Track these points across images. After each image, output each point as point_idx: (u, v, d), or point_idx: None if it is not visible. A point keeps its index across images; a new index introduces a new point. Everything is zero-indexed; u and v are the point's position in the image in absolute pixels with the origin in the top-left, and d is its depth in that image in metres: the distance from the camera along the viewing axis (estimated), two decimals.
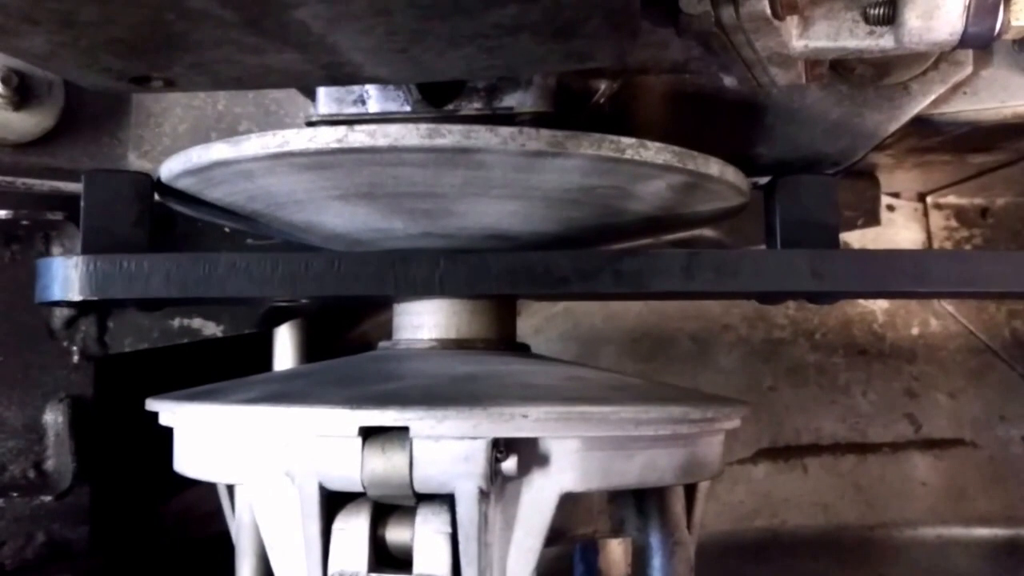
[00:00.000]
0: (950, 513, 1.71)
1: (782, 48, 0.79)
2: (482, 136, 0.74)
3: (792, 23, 0.78)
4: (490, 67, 0.72)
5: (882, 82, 0.99)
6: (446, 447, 0.74)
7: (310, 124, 0.90)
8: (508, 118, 0.88)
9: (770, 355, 1.77)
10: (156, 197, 0.92)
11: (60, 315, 1.25)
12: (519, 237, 0.87)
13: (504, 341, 0.95)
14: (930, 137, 1.21)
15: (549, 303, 1.74)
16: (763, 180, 0.97)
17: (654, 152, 0.78)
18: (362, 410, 0.74)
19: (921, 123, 1.03)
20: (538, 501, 0.77)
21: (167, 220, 1.14)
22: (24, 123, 1.04)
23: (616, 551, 1.01)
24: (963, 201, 1.79)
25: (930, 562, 1.69)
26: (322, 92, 0.91)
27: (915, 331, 1.78)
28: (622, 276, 0.87)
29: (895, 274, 0.91)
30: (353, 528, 0.77)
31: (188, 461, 0.89)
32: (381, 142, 0.74)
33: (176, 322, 1.28)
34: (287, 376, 1.01)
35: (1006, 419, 1.74)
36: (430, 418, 0.74)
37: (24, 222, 1.21)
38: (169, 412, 0.89)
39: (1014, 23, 0.78)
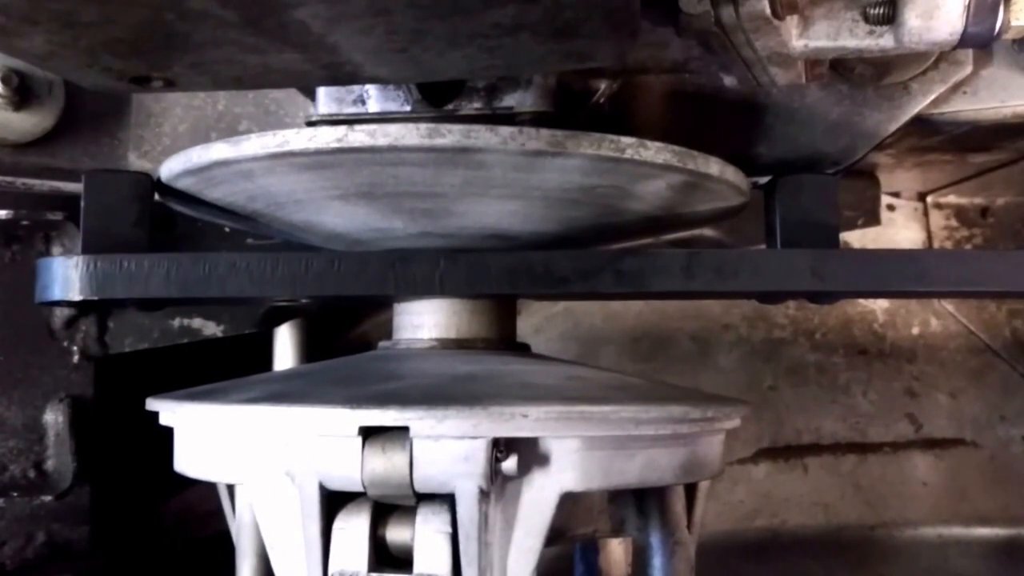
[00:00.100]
0: (950, 513, 1.71)
1: (782, 48, 0.79)
2: (482, 136, 0.74)
3: (792, 23, 0.78)
4: (490, 67, 0.72)
5: (882, 82, 0.99)
6: (446, 447, 0.74)
7: (310, 124, 0.90)
8: (508, 118, 0.88)
9: (770, 355, 1.77)
10: (156, 197, 0.92)
11: (60, 315, 1.25)
12: (519, 237, 0.87)
13: (504, 341, 0.95)
14: (930, 137, 1.21)
15: (549, 303, 1.74)
16: (763, 180, 0.97)
17: (654, 152, 0.78)
18: (362, 410, 0.74)
19: (921, 123, 1.03)
20: (538, 501, 0.77)
21: (167, 220, 1.14)
22: (24, 123, 1.04)
23: (616, 551, 1.01)
24: (963, 201, 1.79)
25: (930, 562, 1.69)
26: (322, 92, 0.91)
27: (915, 331, 1.78)
28: (622, 276, 0.87)
29: (895, 274, 0.91)
30: (353, 528, 0.77)
31: (188, 461, 0.89)
32: (381, 142, 0.74)
33: (176, 322, 1.28)
34: (287, 376, 1.01)
35: (1006, 419, 1.74)
36: (430, 418, 0.74)
37: (24, 222, 1.21)
38: (169, 412, 0.89)
39: (1014, 23, 0.78)
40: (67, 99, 1.06)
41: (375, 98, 0.91)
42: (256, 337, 1.34)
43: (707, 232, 1.41)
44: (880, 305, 1.79)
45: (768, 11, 0.74)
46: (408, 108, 0.90)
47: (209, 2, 0.59)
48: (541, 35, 0.65)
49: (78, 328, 1.26)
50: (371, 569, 0.76)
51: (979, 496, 1.71)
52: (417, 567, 0.75)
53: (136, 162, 1.09)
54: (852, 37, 0.79)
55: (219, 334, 1.30)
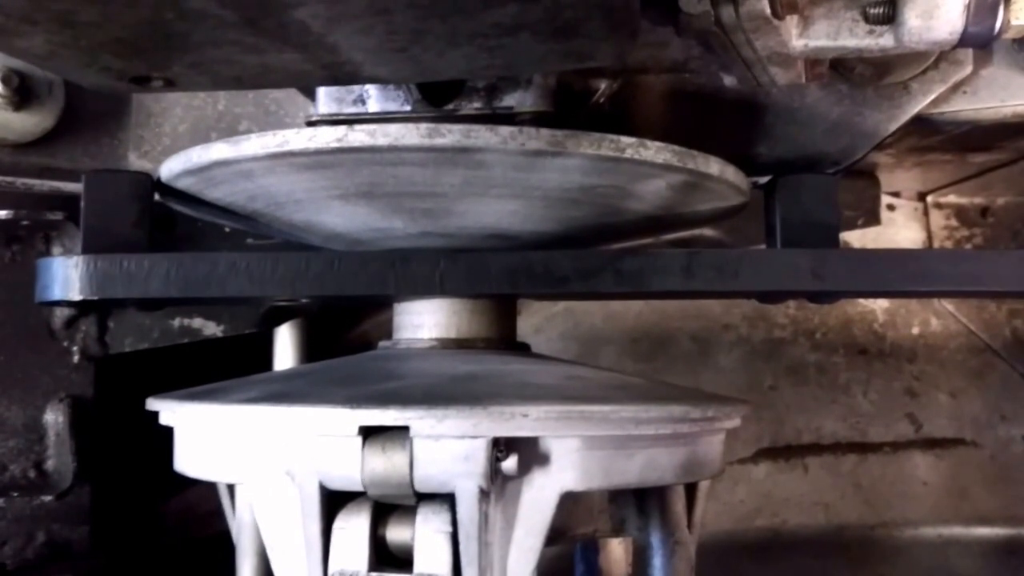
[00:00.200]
0: (951, 513, 1.71)
1: (782, 47, 0.79)
2: (482, 135, 0.74)
3: (792, 22, 0.78)
4: (490, 66, 0.72)
5: (882, 81, 0.99)
6: (446, 446, 0.74)
7: (310, 124, 0.90)
8: (508, 117, 0.88)
9: (770, 354, 1.77)
10: (156, 197, 0.92)
11: (60, 315, 1.25)
12: (519, 236, 0.87)
13: (504, 340, 0.95)
14: (930, 136, 1.21)
15: (549, 302, 1.74)
16: (763, 179, 0.97)
17: (654, 151, 0.78)
18: (362, 409, 0.74)
19: (921, 122, 1.03)
20: (538, 500, 0.77)
21: (167, 220, 1.14)
22: (24, 123, 1.04)
23: (617, 550, 1.01)
24: (963, 200, 1.79)
25: (931, 561, 1.69)
26: (322, 92, 0.91)
27: (915, 330, 1.78)
28: (622, 275, 0.87)
29: (895, 273, 0.91)
30: (353, 527, 0.77)
31: (188, 461, 0.89)
32: (381, 141, 0.74)
33: (176, 322, 1.28)
34: (287, 376, 1.01)
35: (1007, 418, 1.74)
36: (430, 417, 0.74)
37: (24, 222, 1.21)
38: (169, 412, 0.89)
39: (1014, 22, 0.78)
40: (67, 99, 1.06)
41: (375, 98, 0.91)
42: (256, 337, 1.34)
43: (707, 232, 1.41)
44: (880, 305, 1.79)
45: (768, 11, 0.74)
46: (408, 108, 0.90)
47: (208, 2, 0.59)
48: (541, 35, 0.65)
49: (78, 328, 1.26)
50: (371, 569, 0.76)
51: (979, 496, 1.71)
52: (417, 567, 0.75)
53: (136, 162, 1.09)
54: (852, 37, 0.79)
55: (219, 334, 1.30)
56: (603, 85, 1.00)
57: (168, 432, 0.91)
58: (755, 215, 0.97)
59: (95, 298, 0.89)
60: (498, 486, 0.75)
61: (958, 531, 1.70)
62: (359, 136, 0.74)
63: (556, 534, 0.80)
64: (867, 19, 0.78)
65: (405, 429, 0.74)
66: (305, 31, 0.63)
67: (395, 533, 0.77)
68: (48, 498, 1.22)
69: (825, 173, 0.98)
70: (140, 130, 1.10)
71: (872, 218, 1.56)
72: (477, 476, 0.74)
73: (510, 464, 0.75)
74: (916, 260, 0.92)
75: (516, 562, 0.77)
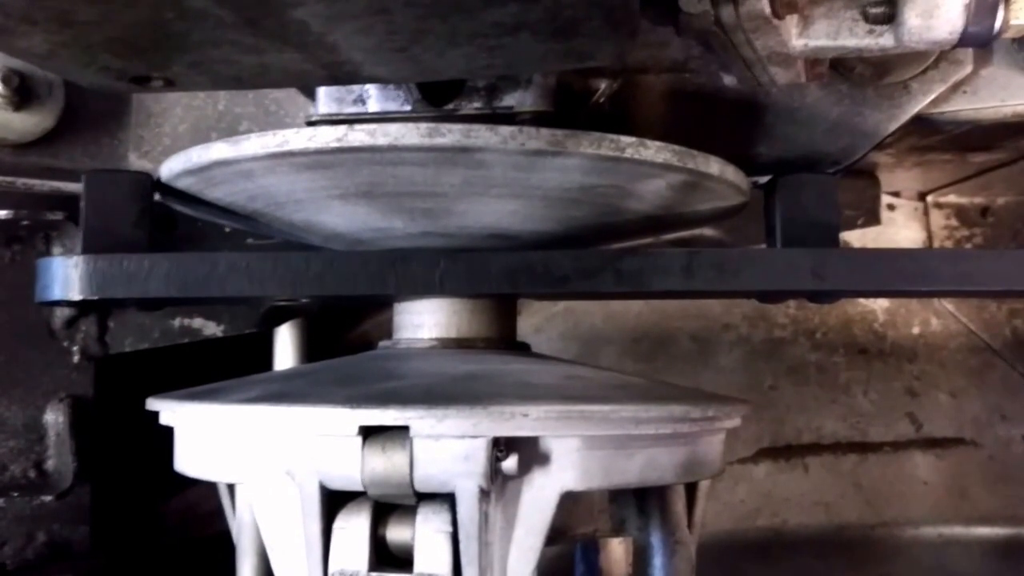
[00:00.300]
0: (951, 512, 1.71)
1: (782, 47, 0.79)
2: (482, 135, 0.74)
3: (792, 22, 0.78)
4: (490, 66, 0.72)
5: (882, 81, 0.99)
6: (446, 446, 0.74)
7: (310, 123, 0.90)
8: (508, 117, 0.88)
9: (771, 354, 1.77)
10: (156, 197, 0.92)
11: (61, 315, 1.25)
12: (519, 236, 0.87)
13: (504, 340, 0.95)
14: (930, 136, 1.21)
15: (549, 302, 1.74)
16: (763, 179, 0.97)
17: (654, 151, 0.78)
18: (362, 409, 0.74)
19: (921, 122, 1.03)
20: (539, 500, 0.77)
21: (167, 220, 1.14)
22: (24, 123, 1.04)
23: (617, 550, 1.01)
24: (963, 200, 1.79)
25: (931, 561, 1.69)
26: (322, 92, 0.91)
27: (916, 330, 1.78)
28: (622, 275, 0.87)
29: (896, 273, 0.91)
30: (353, 527, 0.77)
31: (188, 460, 0.89)
32: (381, 141, 0.74)
33: (176, 322, 1.28)
34: (287, 376, 1.01)
35: (1007, 418, 1.74)
36: (430, 417, 0.74)
37: (24, 222, 1.21)
38: (169, 412, 0.89)
39: (1013, 22, 0.78)
40: (67, 99, 1.06)
41: (375, 98, 0.91)
42: (256, 337, 1.34)
43: (707, 232, 1.41)
44: (880, 305, 1.79)
45: (768, 10, 0.74)
46: (408, 108, 0.90)
47: (207, 1, 0.59)
48: (541, 34, 0.65)
49: (78, 328, 1.26)
50: (371, 569, 0.76)
51: (979, 495, 1.71)
52: (417, 567, 0.75)
53: (136, 162, 1.09)
54: (852, 36, 0.79)
55: (219, 334, 1.30)
56: (603, 85, 1.00)
57: (168, 432, 0.91)
58: (755, 215, 0.97)
59: (95, 298, 0.89)
60: (498, 486, 0.75)
61: (958, 531, 1.70)
62: (359, 136, 0.74)
63: (556, 534, 0.80)
64: (867, 19, 0.78)
65: (405, 429, 0.74)
66: (305, 31, 0.63)
67: (395, 533, 0.77)
68: (48, 498, 1.22)
69: (825, 173, 0.98)
70: (140, 130, 1.10)
71: (872, 218, 1.56)
72: (477, 476, 0.74)
73: (510, 464, 0.75)
74: (916, 260, 0.92)
75: (516, 562, 0.77)
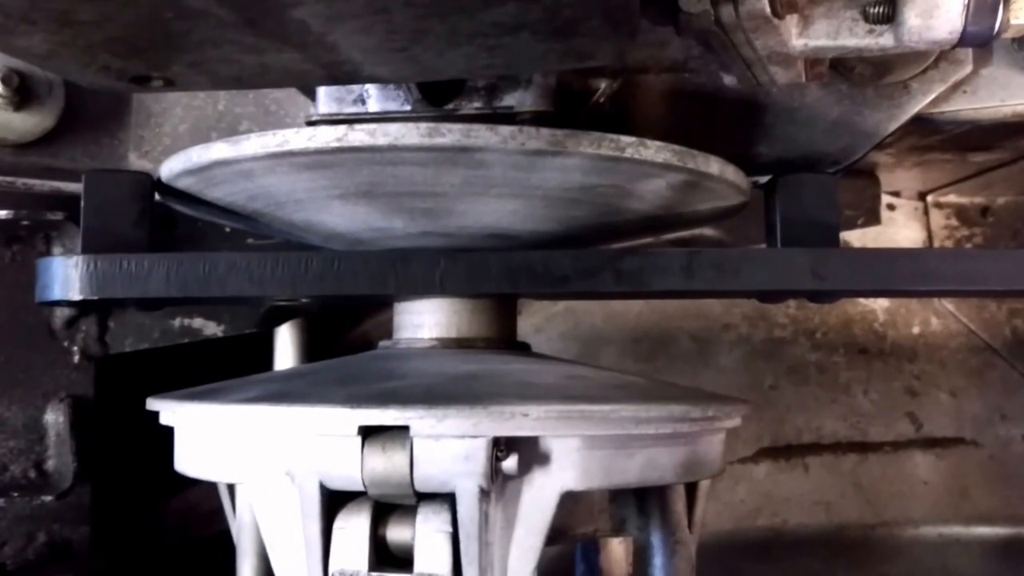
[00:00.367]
0: (951, 512, 1.71)
1: (782, 47, 0.79)
2: (482, 135, 0.74)
3: (792, 22, 0.78)
4: (490, 66, 0.72)
5: (882, 81, 0.99)
6: (446, 446, 0.74)
7: (310, 123, 0.90)
8: (508, 117, 0.88)
9: (771, 354, 1.77)
10: (156, 197, 0.92)
11: (61, 315, 1.25)
12: (519, 236, 0.87)
13: (505, 340, 0.95)
14: (930, 136, 1.21)
15: (550, 302, 1.74)
16: (763, 179, 0.97)
17: (654, 151, 0.78)
18: (362, 409, 0.74)
19: (921, 122, 1.03)
20: (539, 500, 0.77)
21: (167, 220, 1.14)
22: (25, 123, 1.04)
23: (617, 550, 1.01)
24: (963, 200, 1.79)
25: (931, 561, 1.69)
26: (322, 91, 0.91)
27: (916, 330, 1.78)
28: (623, 275, 0.87)
29: (896, 273, 0.91)
30: (354, 527, 0.77)
31: (189, 460, 0.89)
32: (381, 141, 0.74)
33: (177, 322, 1.28)
34: (287, 376, 1.01)
35: (1007, 418, 1.74)
36: (430, 417, 0.74)
37: (24, 222, 1.21)
38: (170, 412, 0.89)
39: (1013, 21, 0.78)
40: (67, 99, 1.06)
41: (375, 98, 0.91)
42: (256, 337, 1.34)
43: (707, 231, 1.41)
44: (880, 304, 1.79)
45: (768, 10, 0.74)
46: (408, 108, 0.90)
47: (207, 1, 0.59)
48: (541, 34, 0.65)
49: (79, 328, 1.26)
50: (371, 569, 0.76)
51: (980, 495, 1.71)
52: (418, 567, 0.75)
53: (136, 162, 1.09)
54: (852, 36, 0.79)
55: (219, 334, 1.30)
56: (603, 85, 1.00)
57: (168, 432, 0.91)
58: (755, 215, 0.97)
59: (95, 298, 0.89)
60: (498, 486, 0.75)
61: (958, 530, 1.70)
62: (359, 136, 0.74)
63: (556, 534, 0.80)
64: (867, 18, 0.78)
65: (405, 429, 0.74)
66: (304, 30, 0.63)
67: (395, 533, 0.77)
68: (48, 498, 1.22)
69: (825, 172, 0.98)
70: (140, 130, 1.10)
71: (872, 217, 1.56)
72: (477, 476, 0.74)
73: (510, 464, 0.75)
74: (916, 260, 0.92)
75: (517, 562, 0.77)
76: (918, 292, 1.13)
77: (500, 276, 0.86)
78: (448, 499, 0.75)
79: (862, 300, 1.77)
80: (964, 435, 1.74)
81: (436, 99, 0.89)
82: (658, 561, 0.90)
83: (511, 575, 0.76)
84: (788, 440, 1.74)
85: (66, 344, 1.26)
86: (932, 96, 0.99)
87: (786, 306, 1.77)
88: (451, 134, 0.74)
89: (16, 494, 1.21)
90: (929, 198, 1.80)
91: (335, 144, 0.74)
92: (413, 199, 0.82)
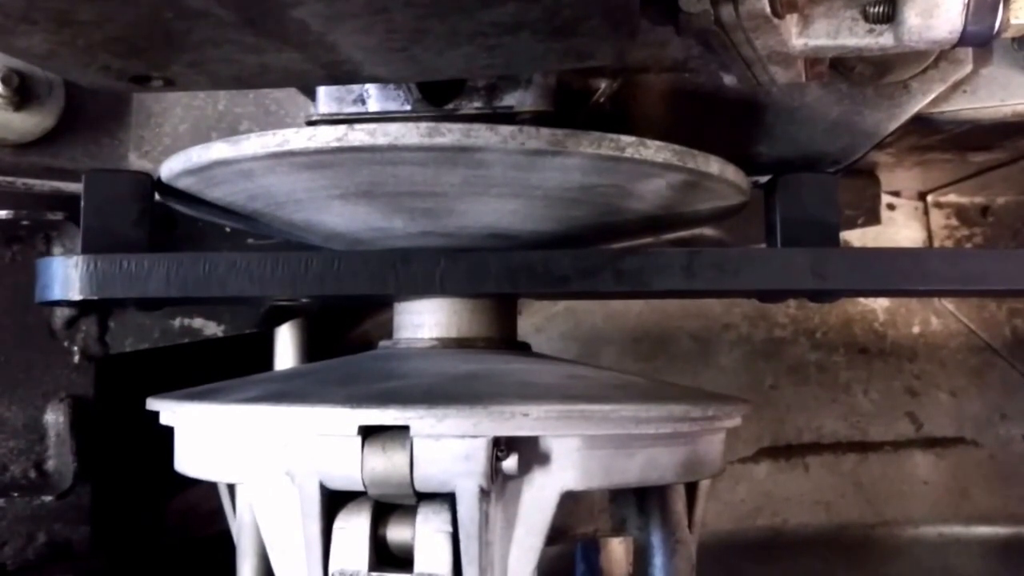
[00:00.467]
0: (951, 511, 1.71)
1: (782, 46, 0.79)
2: (482, 135, 0.74)
3: (792, 21, 0.78)
4: (490, 66, 0.72)
5: (882, 80, 0.99)
6: (447, 446, 0.74)
7: (310, 123, 0.90)
8: (508, 117, 0.88)
9: (771, 354, 1.77)
10: (156, 197, 0.92)
11: (61, 315, 1.25)
12: (519, 236, 0.87)
13: (505, 340, 0.95)
14: (930, 136, 1.21)
15: (550, 302, 1.74)
16: (763, 179, 0.97)
17: (654, 151, 0.78)
18: (362, 409, 0.74)
19: (921, 121, 1.03)
20: (539, 500, 0.77)
21: (167, 220, 1.14)
22: (25, 123, 1.04)
23: (617, 550, 1.01)
24: (963, 200, 1.79)
25: (931, 560, 1.69)
26: (322, 91, 0.91)
27: (916, 330, 1.78)
28: (623, 275, 0.87)
29: (896, 272, 0.91)
30: (354, 527, 0.77)
31: (189, 460, 0.89)
32: (381, 141, 0.74)
33: (177, 322, 1.28)
34: (287, 375, 1.01)
35: (1007, 417, 1.74)
36: (431, 417, 0.74)
37: (25, 222, 1.21)
38: (170, 412, 0.89)
39: (1013, 21, 0.78)
40: (67, 99, 1.06)
41: (375, 97, 0.91)
42: (256, 337, 1.34)
43: (707, 231, 1.41)
44: (880, 304, 1.79)
45: (768, 10, 0.74)
46: (408, 107, 0.90)
47: (207, 1, 0.59)
48: (541, 34, 0.65)
49: (79, 328, 1.26)
50: (371, 568, 0.76)
51: (980, 495, 1.71)
52: (418, 566, 0.75)
53: (136, 162, 1.09)
54: (852, 36, 0.79)
55: (219, 334, 1.30)
56: (603, 84, 1.00)
57: (168, 432, 0.91)
58: (755, 214, 0.97)
59: (95, 298, 0.89)
60: (498, 485, 0.75)
61: (958, 530, 1.70)
62: (359, 135, 0.74)
63: (557, 533, 0.80)
64: (867, 18, 0.78)
65: (405, 429, 0.74)
66: (304, 30, 0.63)
67: (395, 533, 0.77)
68: (48, 498, 1.22)
69: (825, 172, 0.98)
70: (140, 130, 1.10)
71: (872, 217, 1.56)
72: (477, 475, 0.74)
73: (510, 463, 0.75)
74: (916, 259, 0.92)
75: (517, 561, 0.77)
76: (918, 292, 1.13)
77: (500, 276, 0.86)
78: (448, 499, 0.75)
79: (862, 300, 1.77)
80: (964, 435, 1.74)
81: (436, 99, 0.89)
82: (658, 561, 0.90)
83: (511, 575, 0.76)
84: (788, 440, 1.74)
85: (66, 344, 1.26)
86: (932, 96, 0.99)
87: (786, 306, 1.77)
88: (451, 134, 0.74)
89: (16, 494, 1.21)
90: (929, 198, 1.80)
91: (335, 144, 0.74)
92: (413, 199, 0.82)
